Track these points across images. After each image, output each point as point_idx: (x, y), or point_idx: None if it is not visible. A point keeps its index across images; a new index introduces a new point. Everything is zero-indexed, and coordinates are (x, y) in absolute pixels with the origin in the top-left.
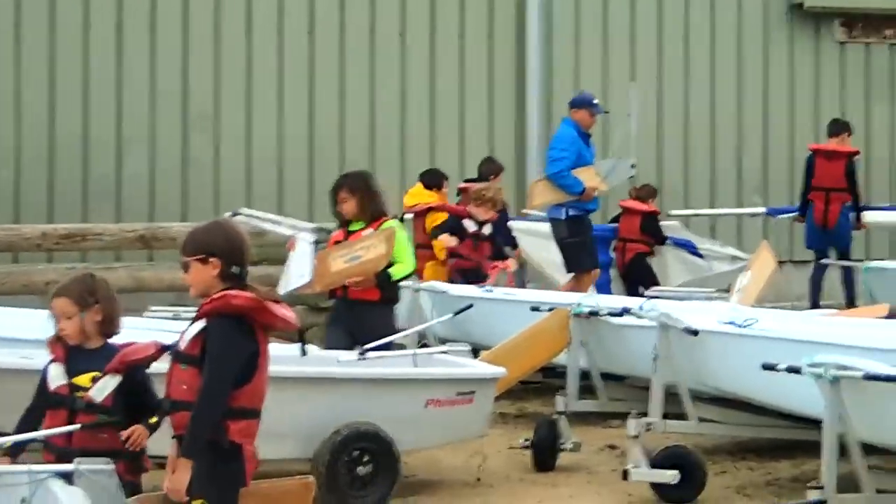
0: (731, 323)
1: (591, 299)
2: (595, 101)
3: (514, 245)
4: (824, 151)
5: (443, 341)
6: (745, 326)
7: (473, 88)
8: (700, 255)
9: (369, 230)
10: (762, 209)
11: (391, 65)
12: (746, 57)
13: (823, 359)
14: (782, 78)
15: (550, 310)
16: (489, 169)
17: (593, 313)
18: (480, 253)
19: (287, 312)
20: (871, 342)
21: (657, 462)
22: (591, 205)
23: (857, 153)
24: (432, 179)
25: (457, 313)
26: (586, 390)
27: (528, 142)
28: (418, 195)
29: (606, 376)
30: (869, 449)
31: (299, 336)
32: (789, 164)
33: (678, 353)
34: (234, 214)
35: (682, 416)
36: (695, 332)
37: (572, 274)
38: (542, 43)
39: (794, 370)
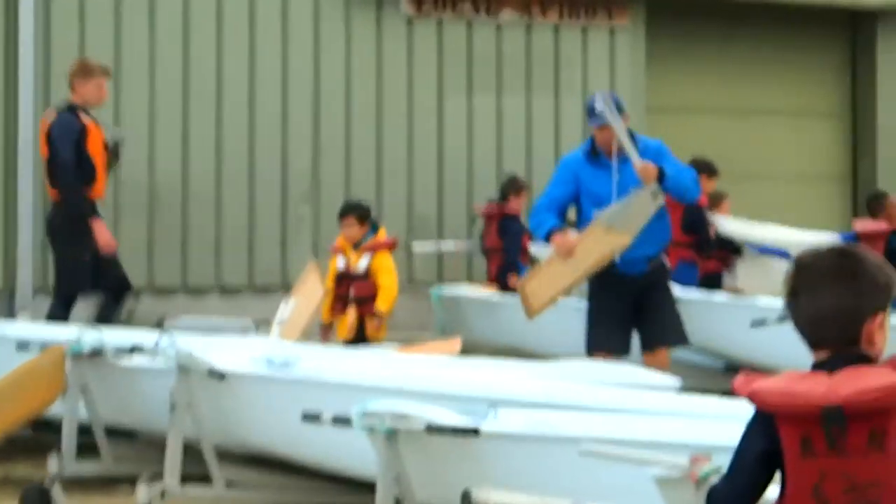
0: (267, 363)
1: (93, 334)
2: (594, 108)
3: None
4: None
5: None
6: (283, 367)
7: None
8: None
9: None
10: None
11: None
12: (292, 35)
13: (378, 407)
14: (337, 60)
15: (43, 348)
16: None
17: (96, 352)
18: None
19: None
20: (436, 386)
21: None
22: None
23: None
24: None
25: None
26: (88, 449)
27: (20, 132)
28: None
29: (114, 431)
30: None
31: None
32: (345, 166)
33: (202, 401)
34: None
35: (207, 479)
36: (221, 376)
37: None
38: (39, 12)
39: (341, 421)
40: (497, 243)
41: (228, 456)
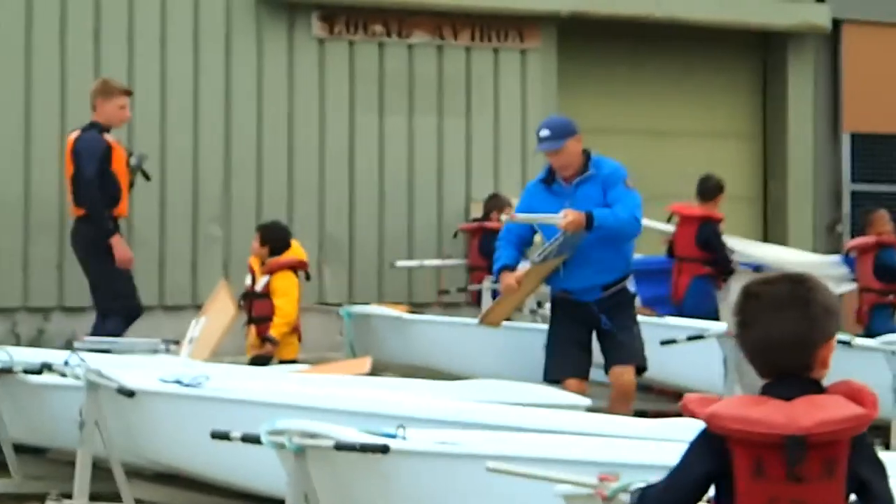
0: (177, 382)
1: (2, 352)
2: (539, 134)
3: None
4: (683, 216)
5: None
6: (193, 386)
7: None
8: None
9: None
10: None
11: None
12: (203, 55)
13: (286, 425)
14: (248, 80)
15: None
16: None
17: (6, 370)
18: None
19: None
20: (345, 404)
21: None
22: (562, 281)
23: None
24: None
25: None
26: None
27: None
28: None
29: (24, 449)
30: None
31: None
32: (256, 185)
33: (111, 418)
34: None
35: (117, 497)
36: (130, 393)
37: None
38: None
39: (251, 439)
40: (479, 261)
41: (138, 473)
